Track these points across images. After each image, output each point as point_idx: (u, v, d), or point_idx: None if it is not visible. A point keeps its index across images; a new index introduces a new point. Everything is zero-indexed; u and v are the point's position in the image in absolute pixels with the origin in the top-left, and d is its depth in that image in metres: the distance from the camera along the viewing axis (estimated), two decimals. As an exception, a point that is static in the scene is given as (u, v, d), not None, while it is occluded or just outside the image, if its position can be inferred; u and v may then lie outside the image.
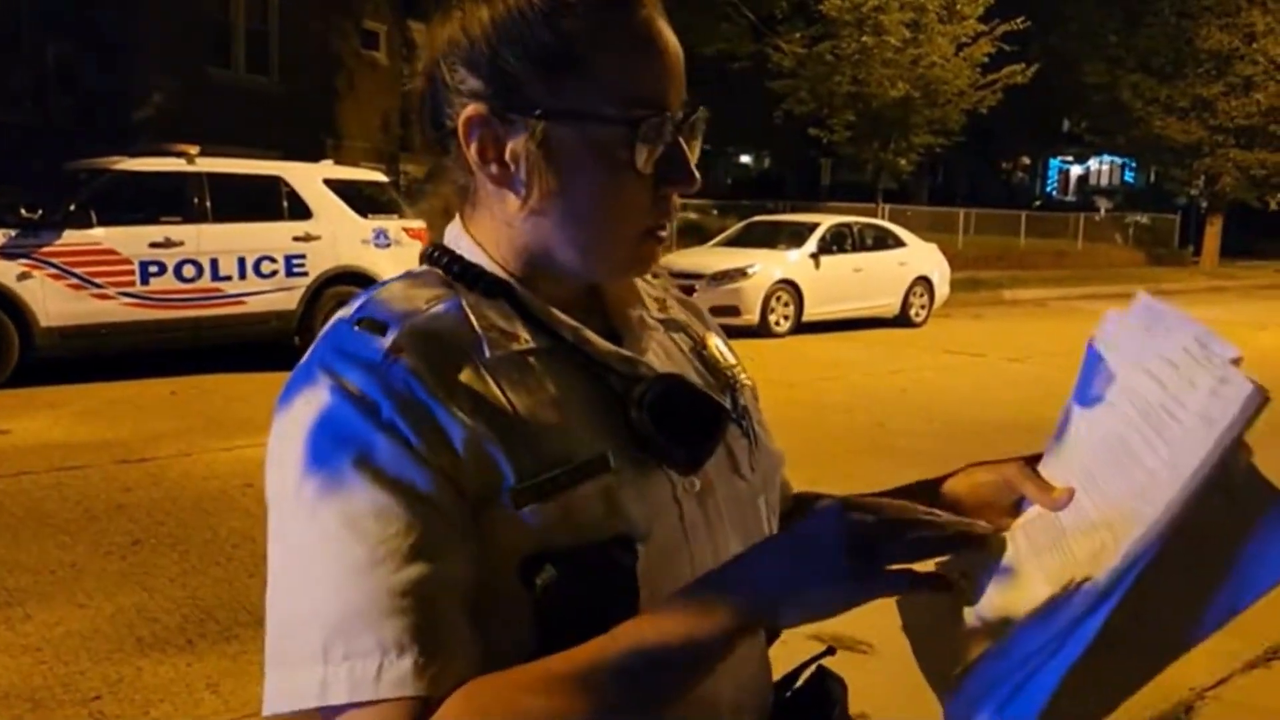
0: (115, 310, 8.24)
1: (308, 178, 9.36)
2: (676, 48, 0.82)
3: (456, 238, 0.86)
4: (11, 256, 7.83)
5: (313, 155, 10.92)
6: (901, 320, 13.76)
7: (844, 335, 12.67)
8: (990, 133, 27.61)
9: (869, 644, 3.24)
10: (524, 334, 0.81)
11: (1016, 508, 0.87)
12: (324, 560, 0.71)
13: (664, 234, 0.85)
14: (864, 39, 19.78)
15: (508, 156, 0.80)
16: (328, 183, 9.45)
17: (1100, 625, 0.69)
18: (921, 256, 14.32)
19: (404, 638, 0.69)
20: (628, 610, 0.76)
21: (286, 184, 9.18)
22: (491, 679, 0.71)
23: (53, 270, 7.97)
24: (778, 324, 12.38)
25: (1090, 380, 0.82)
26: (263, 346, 9.10)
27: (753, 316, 12.07)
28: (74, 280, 8.06)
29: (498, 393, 0.77)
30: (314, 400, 0.74)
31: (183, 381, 8.31)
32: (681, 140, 0.82)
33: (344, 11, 18.82)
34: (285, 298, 9.03)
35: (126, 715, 3.15)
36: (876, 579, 0.70)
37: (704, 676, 0.72)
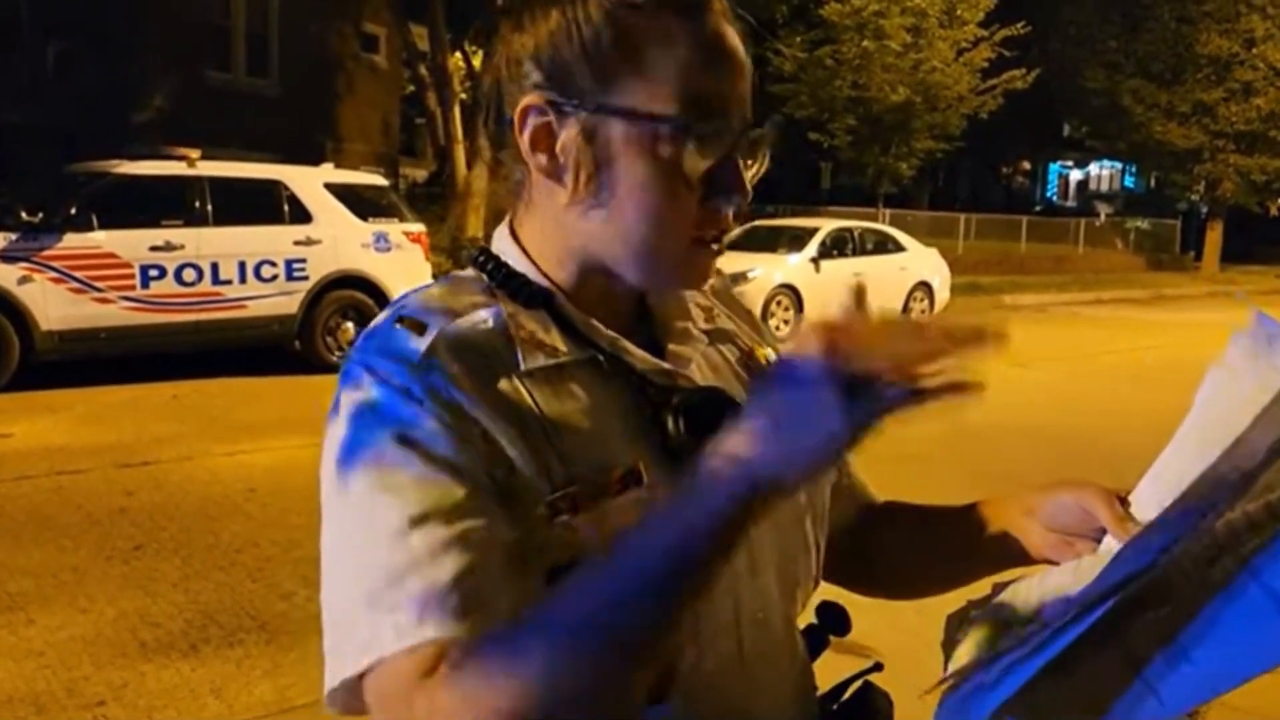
0: (115, 314, 8.21)
1: (308, 181, 9.35)
2: (743, 61, 0.81)
3: (504, 244, 0.86)
4: (12, 260, 7.80)
5: (312, 158, 10.93)
6: (903, 325, 13.75)
7: (844, 340, 12.65)
8: (990, 137, 27.62)
9: (872, 649, 3.24)
10: (562, 345, 0.81)
11: (1100, 535, 0.84)
12: (370, 522, 0.71)
13: (717, 245, 0.82)
14: (865, 43, 19.83)
15: (558, 149, 0.79)
16: (328, 186, 9.44)
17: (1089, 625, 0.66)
18: (922, 261, 14.35)
19: (451, 580, 0.68)
20: None
21: (287, 188, 9.16)
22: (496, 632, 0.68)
23: (53, 274, 7.95)
24: (778, 329, 12.38)
25: (1198, 407, 0.78)
26: (263, 350, 9.12)
27: (753, 321, 12.05)
28: (74, 284, 8.03)
29: (532, 404, 0.77)
30: (356, 393, 0.75)
31: (184, 385, 8.29)
32: (738, 154, 0.80)
33: (343, 14, 18.84)
34: (285, 302, 9.01)
35: (130, 720, 3.15)
36: (872, 402, 0.62)
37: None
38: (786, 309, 12.54)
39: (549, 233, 0.83)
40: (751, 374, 0.93)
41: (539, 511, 0.74)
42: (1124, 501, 0.82)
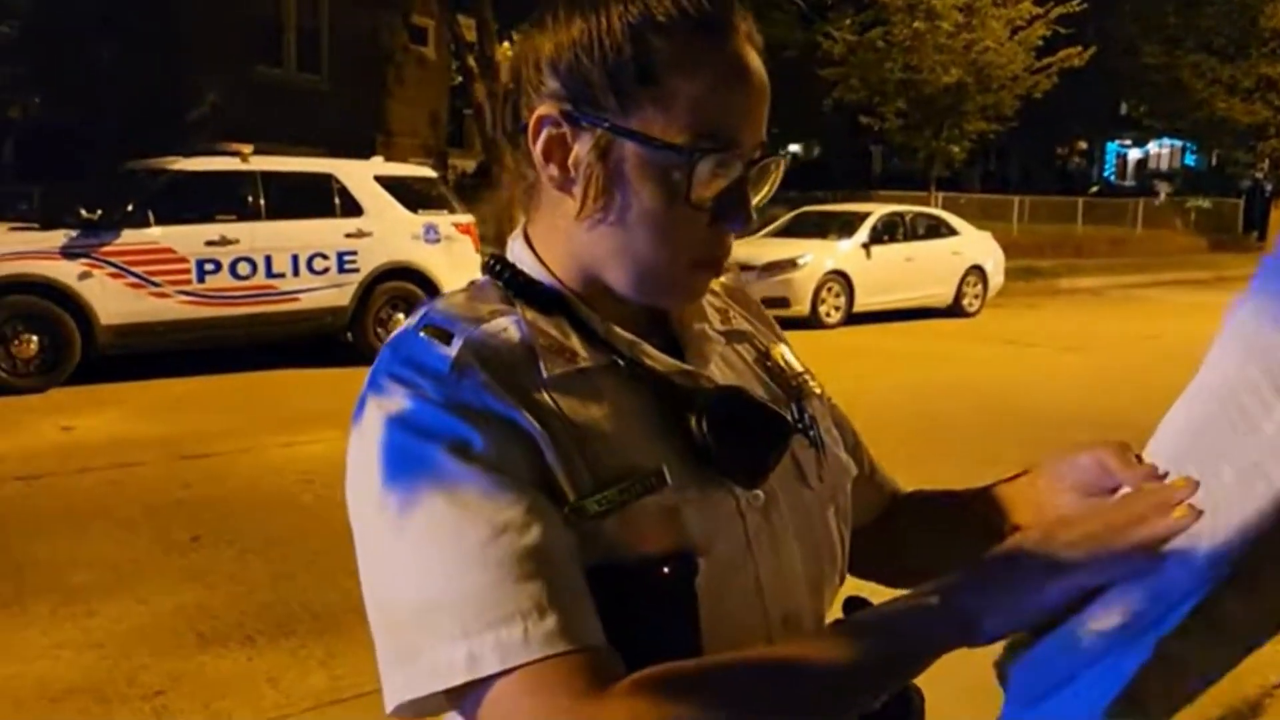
0: (172, 308, 8.37)
1: (359, 174, 9.44)
2: (762, 83, 0.81)
3: (517, 249, 0.87)
4: (72, 256, 7.99)
5: (362, 151, 11.02)
6: (955, 310, 13.60)
7: (896, 326, 12.55)
8: (1045, 117, 27.08)
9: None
10: (581, 351, 0.81)
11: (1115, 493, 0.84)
12: (439, 547, 0.71)
13: (716, 267, 0.84)
14: (916, 24, 19.52)
15: (570, 161, 0.80)
16: (378, 179, 9.52)
17: (1193, 606, 0.65)
18: (975, 245, 14.14)
19: (541, 598, 0.69)
20: (686, 626, 0.75)
21: (338, 181, 9.26)
22: (678, 664, 0.71)
23: (112, 269, 8.12)
24: (828, 315, 12.29)
25: (1219, 341, 0.77)
26: (316, 342, 9.24)
27: (803, 307, 12.01)
28: (133, 279, 8.20)
29: (557, 410, 0.77)
30: (387, 405, 0.75)
31: (239, 378, 8.44)
32: (747, 180, 0.81)
33: (392, 7, 18.98)
34: (337, 294, 9.12)
35: (188, 710, 3.20)
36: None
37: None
38: (838, 295, 12.44)
39: (557, 240, 0.84)
40: (769, 373, 0.94)
41: (564, 518, 0.74)
42: (1139, 458, 0.82)
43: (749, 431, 0.81)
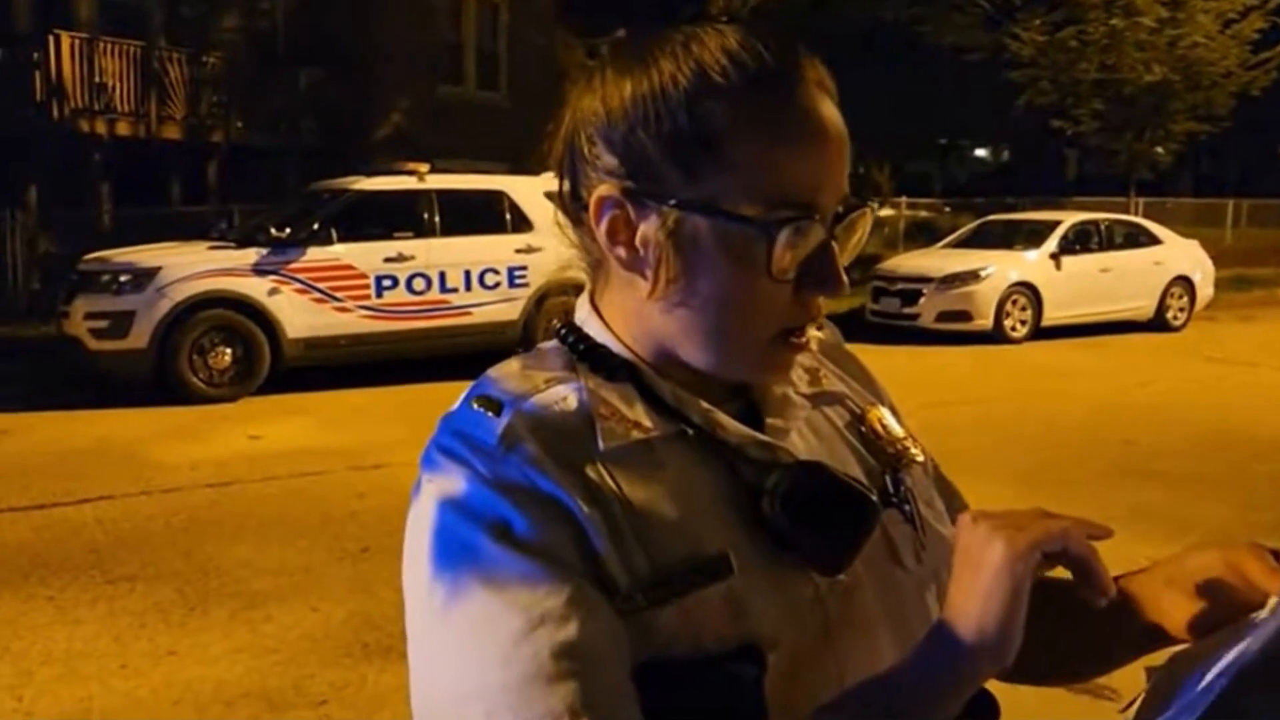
0: (353, 322, 8.78)
1: (529, 191, 9.60)
2: (839, 135, 0.74)
3: (586, 315, 0.83)
4: (263, 273, 8.50)
5: (540, 167, 11.28)
6: (1158, 324, 12.75)
7: (1089, 341, 11.82)
8: (1266, 115, 24.98)
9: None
10: (646, 420, 0.75)
11: (1255, 601, 0.73)
12: (478, 635, 0.68)
13: (802, 339, 0.76)
14: (1113, 22, 18.40)
15: (638, 241, 0.75)
16: (548, 195, 9.65)
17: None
18: (1180, 254, 13.24)
19: (575, 701, 0.65)
20: None
21: (509, 198, 9.50)
22: None
23: (298, 285, 8.58)
24: (1014, 329, 11.73)
25: None
26: (488, 355, 9.43)
27: (986, 321, 11.52)
28: (317, 294, 8.64)
29: (613, 486, 0.72)
30: (439, 483, 0.73)
31: (412, 390, 8.68)
32: (833, 241, 0.74)
33: (567, 24, 19.39)
34: (508, 308, 9.34)
35: (349, 721, 3.24)
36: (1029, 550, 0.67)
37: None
38: (1024, 309, 11.87)
39: (629, 317, 0.79)
40: (863, 439, 0.86)
41: (619, 606, 0.69)
42: (1277, 555, 0.74)
43: (828, 514, 0.74)
